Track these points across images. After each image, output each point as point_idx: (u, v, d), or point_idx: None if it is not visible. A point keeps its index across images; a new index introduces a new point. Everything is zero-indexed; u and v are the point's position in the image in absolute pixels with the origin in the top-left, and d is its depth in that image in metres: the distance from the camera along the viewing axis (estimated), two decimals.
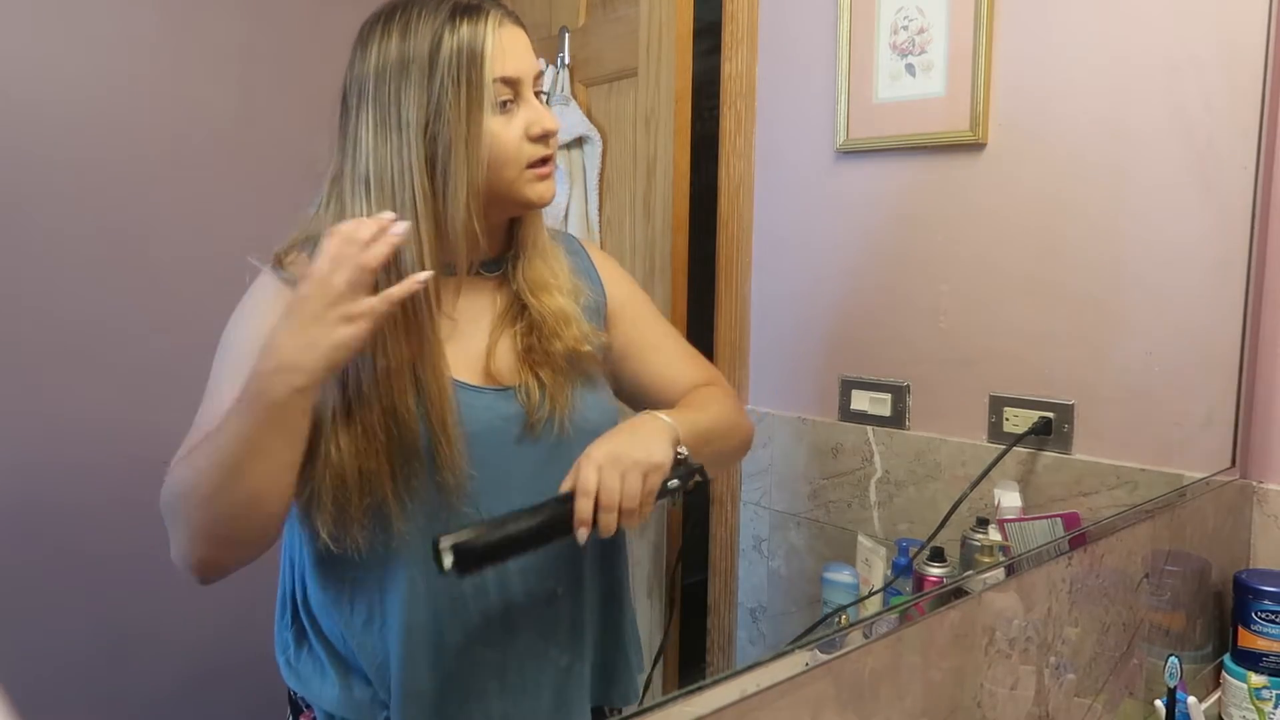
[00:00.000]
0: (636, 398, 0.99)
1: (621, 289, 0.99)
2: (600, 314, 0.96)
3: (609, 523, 0.78)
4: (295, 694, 0.93)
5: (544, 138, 0.85)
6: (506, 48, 0.83)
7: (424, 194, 0.81)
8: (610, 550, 0.95)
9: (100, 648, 1.47)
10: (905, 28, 1.46)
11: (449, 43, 0.81)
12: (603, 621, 0.94)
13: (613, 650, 0.96)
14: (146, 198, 1.50)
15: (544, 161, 0.86)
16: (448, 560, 0.74)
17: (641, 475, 0.79)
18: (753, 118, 1.66)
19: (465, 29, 0.81)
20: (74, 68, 1.45)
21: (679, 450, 0.83)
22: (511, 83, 0.83)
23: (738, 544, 1.72)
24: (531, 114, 0.85)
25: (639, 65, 1.68)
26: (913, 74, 1.46)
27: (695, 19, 1.65)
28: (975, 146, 1.40)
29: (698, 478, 0.84)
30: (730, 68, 1.67)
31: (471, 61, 0.81)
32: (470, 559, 0.75)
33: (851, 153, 1.54)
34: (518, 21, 0.86)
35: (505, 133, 0.83)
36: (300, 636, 0.91)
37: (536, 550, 0.80)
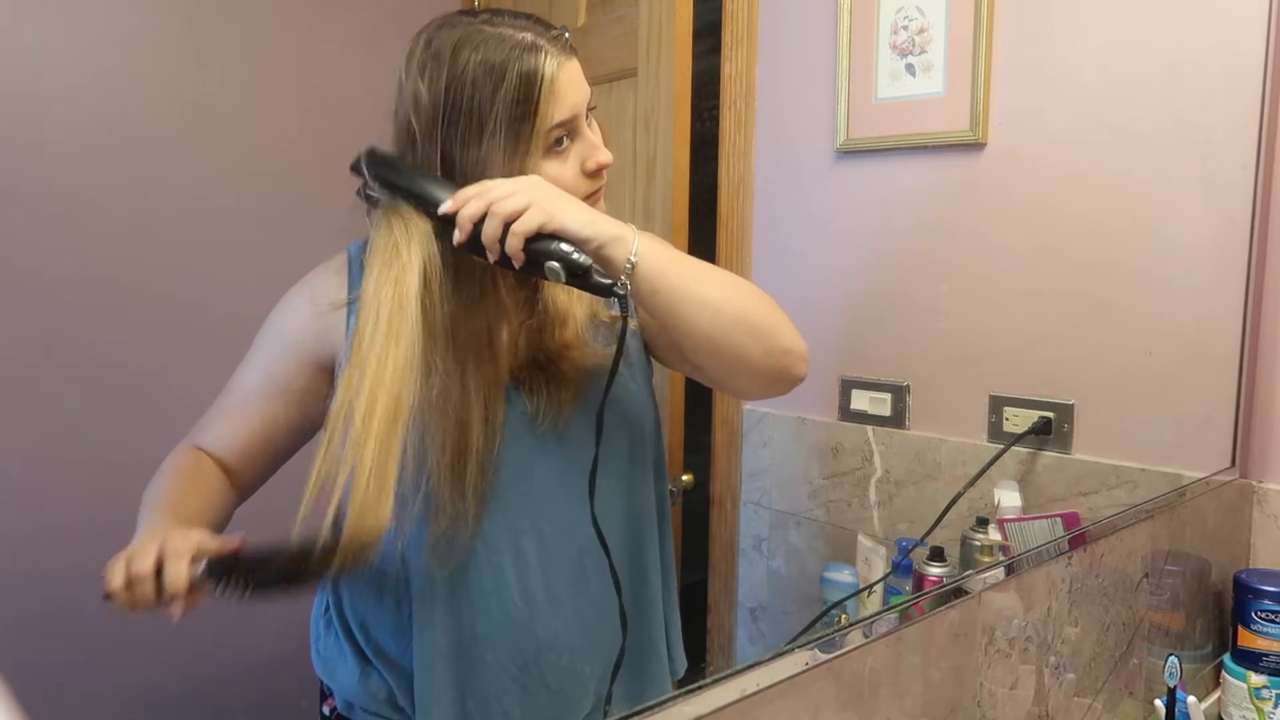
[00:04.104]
0: (682, 361, 0.95)
1: None
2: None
3: (470, 209, 0.75)
4: (321, 681, 0.96)
5: (598, 171, 0.85)
6: (562, 90, 0.81)
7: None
8: (641, 558, 0.95)
9: (135, 640, 1.48)
10: (905, 28, 1.46)
11: (505, 93, 0.78)
12: (632, 628, 0.94)
13: (642, 652, 0.95)
14: (150, 198, 1.50)
15: (596, 190, 0.87)
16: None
17: (525, 200, 0.75)
18: (753, 118, 1.67)
19: (523, 76, 0.79)
20: (76, 65, 1.45)
21: (629, 258, 0.77)
22: (567, 122, 0.82)
23: (738, 544, 1.72)
24: (585, 149, 0.84)
25: (639, 65, 1.68)
26: (913, 74, 1.46)
27: (695, 19, 1.64)
28: (975, 146, 1.40)
29: (606, 281, 0.77)
30: (730, 68, 1.67)
31: (526, 114, 0.79)
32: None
33: (851, 152, 1.54)
34: (570, 50, 0.83)
35: (561, 174, 0.83)
36: (329, 623, 0.94)
37: (411, 192, 0.79)
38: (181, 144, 1.53)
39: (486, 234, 0.76)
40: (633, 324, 0.93)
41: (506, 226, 0.76)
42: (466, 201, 0.76)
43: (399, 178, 0.80)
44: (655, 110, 1.66)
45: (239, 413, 0.88)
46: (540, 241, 0.76)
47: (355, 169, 0.81)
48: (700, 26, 1.66)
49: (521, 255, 0.76)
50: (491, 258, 0.77)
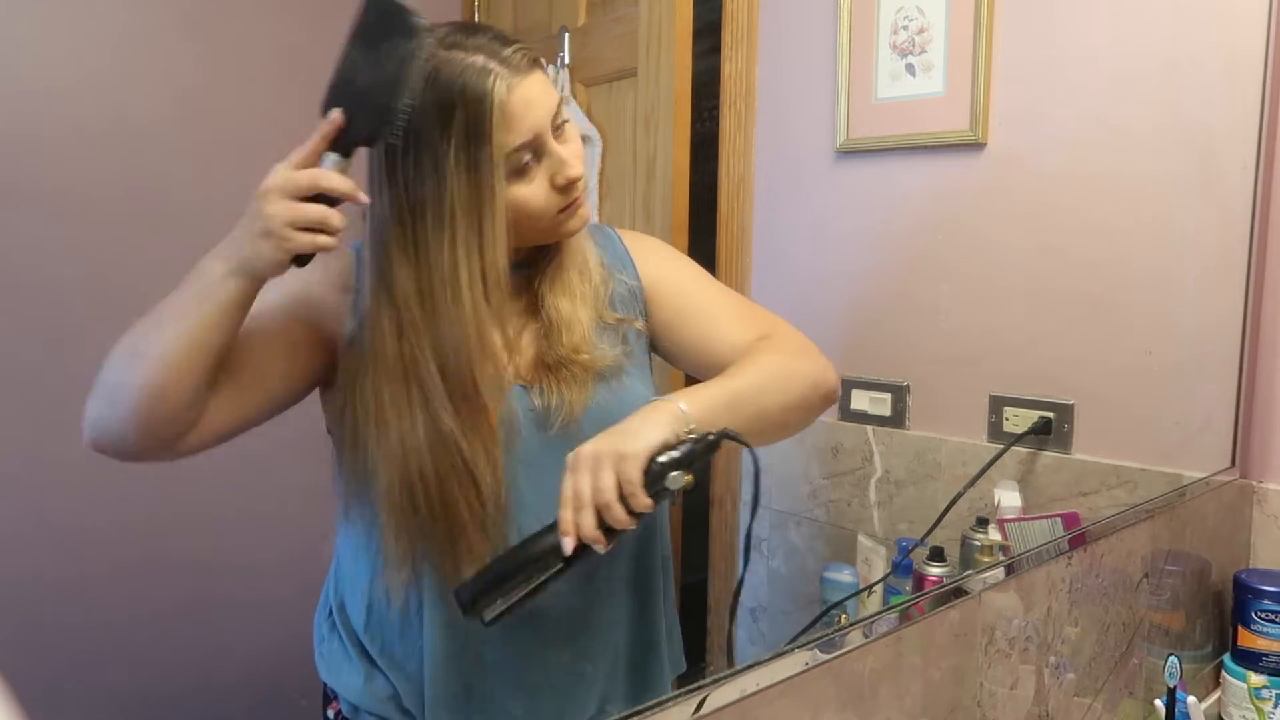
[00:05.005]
0: (695, 367, 0.96)
1: (655, 265, 0.97)
2: (637, 298, 0.95)
3: (586, 524, 0.75)
4: (325, 684, 0.96)
5: (568, 186, 0.84)
6: (515, 112, 0.78)
7: (452, 255, 0.79)
8: (644, 556, 0.95)
9: (140, 640, 1.48)
10: (905, 28, 1.46)
11: (455, 126, 0.77)
12: (634, 627, 0.95)
13: (644, 655, 0.96)
14: (150, 196, 1.50)
15: (572, 202, 0.85)
16: (473, 610, 0.77)
17: (612, 467, 0.74)
18: (753, 118, 1.67)
19: (470, 105, 0.77)
20: (76, 63, 1.45)
21: (689, 430, 0.78)
22: (528, 144, 0.80)
23: (738, 544, 1.72)
24: (554, 165, 0.82)
25: (639, 65, 1.68)
26: (913, 74, 1.46)
27: (695, 19, 1.64)
28: (975, 146, 1.40)
29: (710, 440, 0.78)
30: (730, 68, 1.67)
31: (479, 143, 0.77)
32: (479, 604, 0.77)
33: (851, 152, 1.54)
34: (532, 63, 0.81)
35: (530, 195, 0.82)
36: (332, 626, 0.94)
37: (548, 581, 0.78)
38: (181, 142, 1.53)
39: (619, 523, 0.75)
40: (639, 325, 0.94)
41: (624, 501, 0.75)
42: (579, 524, 0.75)
43: (509, 573, 0.78)
44: (655, 110, 1.66)
45: None
46: (652, 485, 0.76)
47: (467, 607, 0.79)
48: (700, 26, 1.66)
49: (649, 501, 0.76)
50: (635, 527, 0.77)
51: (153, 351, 0.74)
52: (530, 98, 0.80)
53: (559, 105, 0.83)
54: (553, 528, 0.77)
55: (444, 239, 0.79)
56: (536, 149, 0.81)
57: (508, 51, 0.79)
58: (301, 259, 0.75)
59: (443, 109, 0.77)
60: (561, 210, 0.85)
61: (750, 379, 0.86)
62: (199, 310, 0.74)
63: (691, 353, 0.94)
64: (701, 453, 0.78)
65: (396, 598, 0.87)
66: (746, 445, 0.80)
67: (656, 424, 0.78)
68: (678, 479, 0.76)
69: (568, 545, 0.75)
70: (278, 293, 0.82)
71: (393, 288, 0.80)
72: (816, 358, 0.92)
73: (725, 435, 0.79)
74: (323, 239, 0.73)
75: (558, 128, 0.83)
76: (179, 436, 0.77)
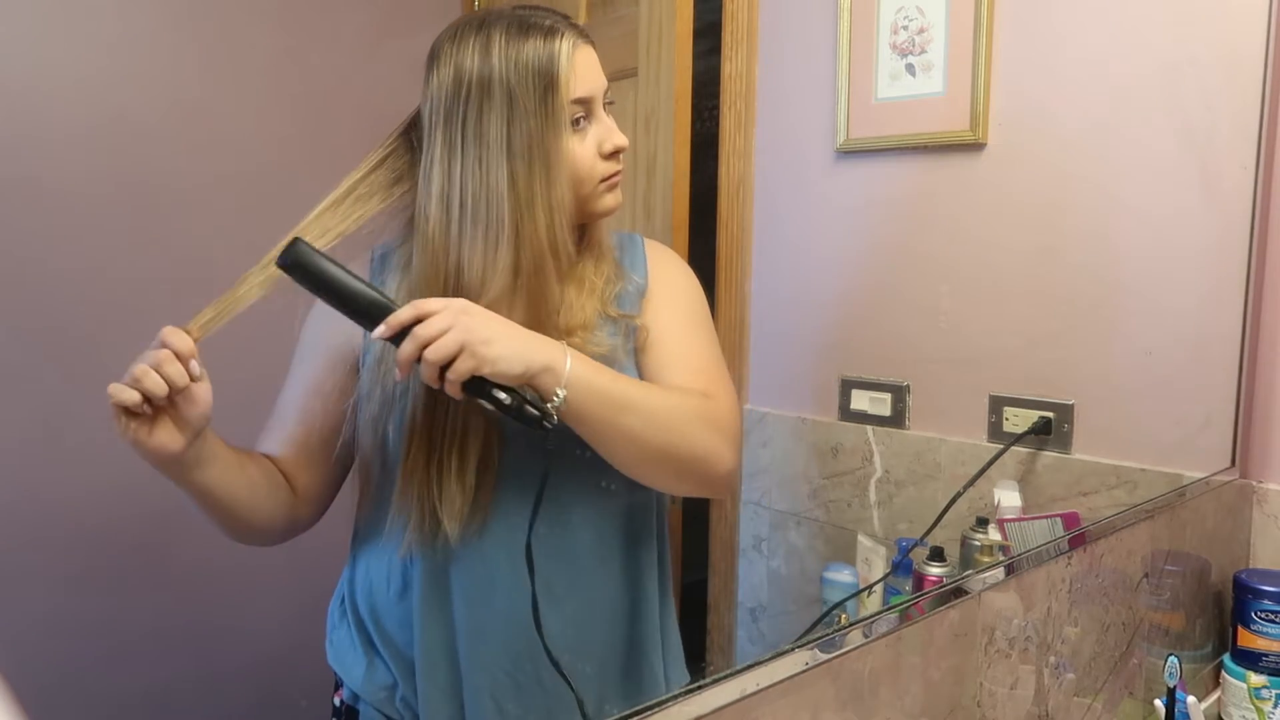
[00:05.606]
0: None
1: (660, 276, 0.98)
2: (643, 297, 0.96)
3: (405, 351, 0.75)
4: (334, 670, 0.98)
5: (615, 154, 0.89)
6: (580, 69, 0.86)
7: (506, 208, 0.83)
8: (637, 549, 0.95)
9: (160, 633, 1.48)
10: (905, 28, 1.46)
11: (530, 65, 0.83)
12: (626, 628, 0.95)
13: (635, 660, 0.95)
14: (151, 197, 1.50)
15: (614, 174, 0.90)
16: (288, 257, 0.76)
17: (461, 347, 0.75)
18: (753, 118, 1.67)
19: (544, 52, 0.84)
20: (76, 63, 1.45)
21: (558, 390, 0.78)
22: (584, 102, 0.87)
23: (738, 543, 1.72)
24: (602, 131, 0.89)
25: (639, 65, 1.68)
26: (913, 74, 1.46)
27: (695, 19, 1.65)
28: (975, 146, 1.40)
29: (536, 414, 0.78)
30: (730, 68, 1.67)
31: (550, 85, 0.84)
32: (295, 265, 0.76)
33: (851, 152, 1.54)
34: (588, 40, 0.89)
35: (580, 151, 0.87)
36: (343, 614, 0.96)
37: (343, 306, 0.77)
38: (181, 142, 1.53)
39: (423, 376, 0.77)
40: (638, 321, 0.94)
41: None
42: (399, 327, 0.76)
43: (331, 285, 0.77)
44: (655, 110, 1.66)
45: (280, 417, 0.92)
46: (473, 382, 0.77)
47: (283, 266, 0.78)
48: (700, 26, 1.66)
49: (459, 393, 0.77)
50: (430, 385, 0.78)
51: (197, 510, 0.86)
52: (590, 62, 0.88)
53: (608, 89, 0.90)
54: (387, 307, 0.76)
55: (519, 171, 0.83)
56: (589, 111, 0.88)
57: (572, 22, 0.88)
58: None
59: (518, 54, 0.83)
60: (603, 180, 0.89)
61: (646, 399, 0.85)
62: (183, 493, 0.84)
63: (643, 374, 0.93)
64: (525, 416, 0.78)
65: (401, 550, 0.88)
66: (543, 427, 0.79)
67: (528, 355, 0.78)
68: (486, 408, 0.78)
69: (382, 331, 0.76)
70: (302, 363, 0.92)
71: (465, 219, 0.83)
72: (726, 439, 0.88)
73: (548, 427, 0.79)
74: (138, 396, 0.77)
75: (607, 104, 0.90)
76: (293, 524, 0.91)
